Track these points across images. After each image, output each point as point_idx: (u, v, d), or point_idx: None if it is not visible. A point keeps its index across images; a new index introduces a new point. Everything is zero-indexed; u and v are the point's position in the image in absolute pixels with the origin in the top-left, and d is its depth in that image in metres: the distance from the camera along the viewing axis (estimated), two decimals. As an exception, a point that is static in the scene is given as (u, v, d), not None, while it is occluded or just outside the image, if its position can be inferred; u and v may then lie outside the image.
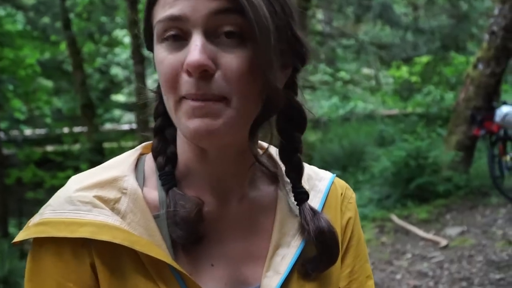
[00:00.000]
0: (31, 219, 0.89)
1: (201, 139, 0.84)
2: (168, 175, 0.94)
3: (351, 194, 1.14)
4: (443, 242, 5.92)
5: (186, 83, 0.81)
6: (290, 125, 0.98)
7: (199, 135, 0.83)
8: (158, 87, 0.96)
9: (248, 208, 0.99)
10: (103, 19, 13.09)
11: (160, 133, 0.99)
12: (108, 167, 0.96)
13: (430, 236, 6.19)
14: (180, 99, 0.84)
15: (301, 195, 1.00)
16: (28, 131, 12.20)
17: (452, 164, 7.66)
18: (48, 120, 12.91)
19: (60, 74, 12.78)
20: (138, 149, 1.02)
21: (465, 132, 7.80)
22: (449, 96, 13.02)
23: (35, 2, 11.14)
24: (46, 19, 11.45)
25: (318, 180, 1.10)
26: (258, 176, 1.03)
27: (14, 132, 11.24)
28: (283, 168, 1.03)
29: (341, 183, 1.14)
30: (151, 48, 0.92)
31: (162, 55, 0.85)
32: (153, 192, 0.94)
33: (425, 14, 15.86)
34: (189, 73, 0.81)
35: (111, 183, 0.91)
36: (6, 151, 10.29)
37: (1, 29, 9.31)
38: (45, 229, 0.85)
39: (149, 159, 1.00)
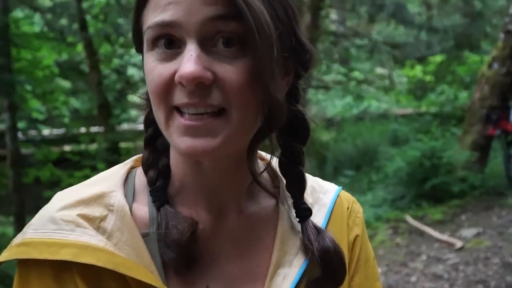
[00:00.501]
0: (15, 238, 0.83)
1: (196, 158, 0.80)
2: (159, 191, 0.87)
3: (359, 208, 1.06)
4: (459, 243, 5.80)
5: (179, 92, 0.75)
6: (291, 135, 0.91)
7: (193, 154, 0.77)
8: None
9: (247, 224, 0.92)
10: (120, 20, 13.09)
11: (151, 144, 0.92)
12: (96, 182, 0.89)
13: (445, 237, 6.06)
14: (171, 110, 0.77)
15: (304, 212, 0.92)
16: (46, 131, 12.22)
17: (467, 164, 7.54)
18: (66, 120, 12.95)
19: (77, 74, 12.78)
20: (128, 162, 0.95)
21: (480, 131, 7.70)
22: (463, 95, 12.97)
23: (52, 4, 11.13)
24: (63, 21, 11.45)
25: (322, 193, 1.02)
26: (258, 188, 0.94)
27: (32, 132, 11.28)
28: (284, 180, 0.96)
29: (347, 196, 1.06)
30: (140, 50, 0.84)
31: (153, 64, 0.77)
32: (143, 208, 0.87)
33: (439, 13, 15.70)
34: (182, 86, 0.74)
35: (97, 199, 0.84)
36: (24, 150, 10.31)
37: (18, 30, 9.33)
38: (26, 250, 0.79)
39: (140, 172, 0.93)
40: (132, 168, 0.95)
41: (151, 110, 0.85)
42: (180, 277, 0.84)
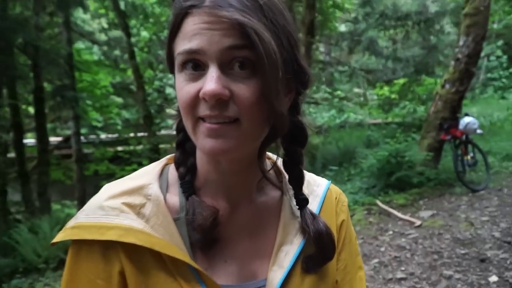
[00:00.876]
0: (69, 222, 0.79)
1: (216, 156, 0.77)
2: (188, 184, 0.84)
3: (344, 198, 1.02)
4: (418, 222, 5.66)
5: (203, 106, 0.72)
6: (293, 141, 0.87)
7: (214, 153, 0.74)
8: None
9: (256, 212, 0.88)
10: (159, 52, 13.08)
11: (181, 146, 0.88)
12: (136, 176, 0.86)
13: (407, 217, 5.91)
14: (197, 120, 0.74)
15: (302, 201, 0.89)
16: (103, 135, 12.20)
17: (424, 162, 7.40)
18: (119, 127, 12.93)
19: (127, 93, 12.75)
20: (163, 161, 0.91)
21: (434, 137, 7.52)
22: (421, 109, 12.82)
23: (107, 39, 11.11)
24: (116, 52, 11.42)
25: (316, 186, 0.98)
26: (266, 183, 0.91)
27: (92, 136, 11.28)
28: (287, 175, 0.92)
29: (335, 189, 1.02)
30: (173, 71, 0.81)
31: (182, 84, 0.74)
32: (175, 197, 0.84)
33: (402, 46, 15.57)
34: (205, 101, 0.71)
35: (137, 190, 0.81)
36: (85, 150, 10.30)
37: (80, 58, 9.33)
38: (78, 232, 0.76)
39: (172, 168, 0.89)
40: (165, 165, 0.91)
41: (181, 119, 0.82)
42: (204, 253, 0.82)
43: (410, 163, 7.33)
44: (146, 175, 0.85)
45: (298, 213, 0.90)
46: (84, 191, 9.01)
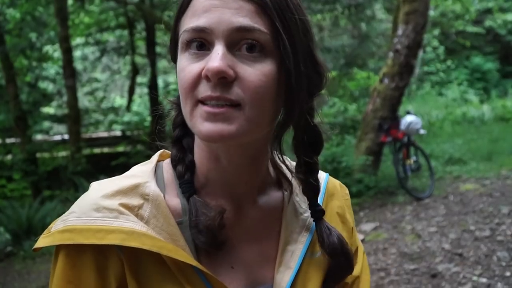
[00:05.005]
0: (53, 225, 0.83)
1: (213, 142, 0.82)
2: (188, 184, 0.90)
3: (345, 191, 1.14)
4: (360, 236, 5.95)
5: (204, 86, 0.79)
6: (308, 148, 0.95)
7: (212, 138, 0.80)
8: (178, 98, 0.93)
9: (260, 213, 0.97)
10: (33, 35, 12.49)
11: (178, 142, 0.96)
12: (128, 175, 0.91)
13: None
14: (196, 103, 0.81)
15: (318, 213, 0.98)
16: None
17: (363, 168, 7.83)
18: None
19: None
20: (154, 158, 0.98)
21: (373, 139, 7.96)
22: (352, 107, 13.40)
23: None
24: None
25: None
26: (267, 182, 1.00)
27: None
28: (285, 170, 1.02)
29: (334, 181, 1.13)
30: (174, 60, 0.90)
31: (185, 64, 0.82)
32: (175, 199, 0.90)
33: (329, 34, 16.27)
34: (208, 79, 0.78)
35: (133, 189, 0.86)
36: None
37: None
38: (71, 236, 0.79)
39: (166, 166, 0.96)
40: (158, 162, 0.97)
41: (178, 114, 0.95)
42: (209, 260, 0.88)
43: (347, 170, 7.77)
44: (139, 174, 0.91)
45: (301, 209, 1.00)
46: None
